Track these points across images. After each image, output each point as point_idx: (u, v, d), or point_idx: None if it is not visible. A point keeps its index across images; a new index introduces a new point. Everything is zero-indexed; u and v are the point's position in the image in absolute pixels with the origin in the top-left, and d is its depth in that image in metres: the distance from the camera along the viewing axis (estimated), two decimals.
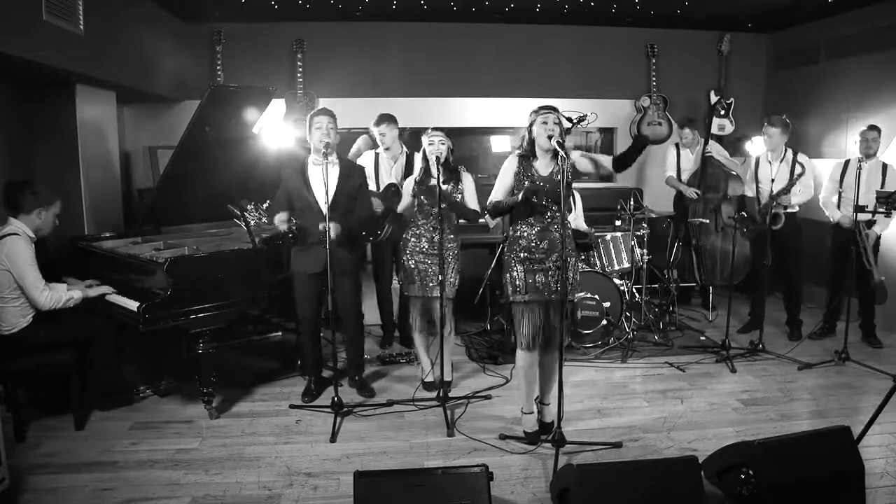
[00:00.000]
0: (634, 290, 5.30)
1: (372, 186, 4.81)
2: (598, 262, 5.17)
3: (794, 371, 4.55)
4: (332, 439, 3.55)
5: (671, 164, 6.03)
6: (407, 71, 6.65)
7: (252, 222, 4.35)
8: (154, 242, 4.32)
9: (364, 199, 4.09)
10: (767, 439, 2.79)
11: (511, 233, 3.43)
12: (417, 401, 4.03)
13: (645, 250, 5.16)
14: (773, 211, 4.85)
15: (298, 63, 6.33)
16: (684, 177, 5.93)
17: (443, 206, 3.77)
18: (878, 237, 4.88)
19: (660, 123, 6.83)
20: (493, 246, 5.29)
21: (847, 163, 5.05)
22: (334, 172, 3.86)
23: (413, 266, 4.09)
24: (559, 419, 3.22)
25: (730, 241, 5.28)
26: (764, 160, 5.14)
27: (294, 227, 3.80)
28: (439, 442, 3.55)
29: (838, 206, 5.06)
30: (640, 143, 3.27)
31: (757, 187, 5.17)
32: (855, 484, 2.73)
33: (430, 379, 4.25)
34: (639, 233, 5.18)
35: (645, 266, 5.18)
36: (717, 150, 5.80)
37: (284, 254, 4.14)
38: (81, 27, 4.20)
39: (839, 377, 4.43)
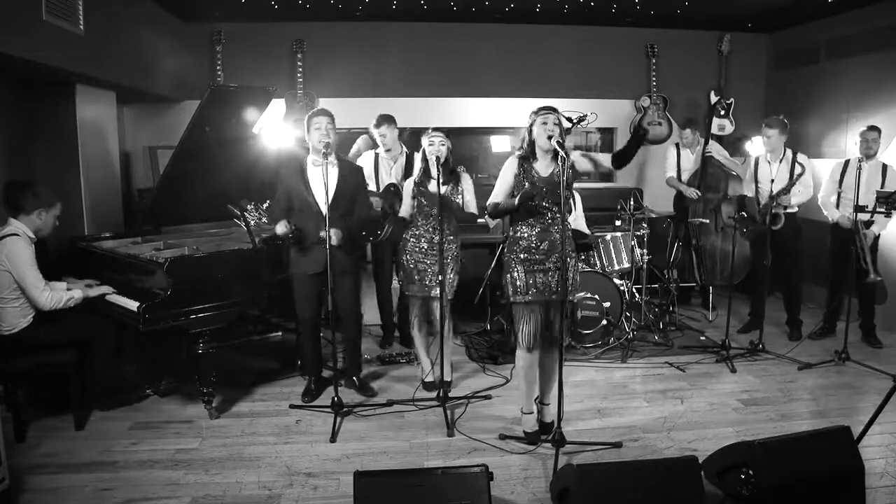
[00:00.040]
0: (634, 290, 5.30)
1: (372, 186, 4.82)
2: (598, 262, 5.17)
3: (794, 371, 4.55)
4: (332, 439, 3.55)
5: (671, 165, 6.03)
6: (407, 71, 6.65)
7: (252, 222, 4.35)
8: (154, 242, 4.33)
9: (363, 199, 4.10)
10: (767, 439, 2.79)
11: (511, 233, 3.43)
12: (417, 401, 4.03)
13: (645, 250, 5.16)
14: (772, 211, 4.85)
15: (298, 63, 6.33)
16: (684, 177, 5.93)
17: (439, 214, 3.77)
18: (877, 237, 4.88)
19: (660, 123, 6.83)
20: (493, 246, 5.29)
21: (847, 163, 5.05)
22: (333, 173, 3.86)
23: (412, 266, 4.09)
24: (559, 419, 3.22)
25: (730, 241, 5.28)
26: (763, 160, 5.14)
27: (294, 231, 3.79)
28: (439, 442, 3.55)
29: (837, 206, 5.07)
30: (638, 136, 3.26)
31: (756, 187, 5.17)
32: (855, 484, 2.73)
33: (430, 379, 4.25)
34: (639, 233, 5.18)
35: (645, 266, 5.18)
36: (717, 150, 5.80)
37: (284, 254, 4.14)
38: (81, 27, 4.20)
39: (839, 377, 4.43)
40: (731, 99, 6.77)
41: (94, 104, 4.89)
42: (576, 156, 3.39)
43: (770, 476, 2.64)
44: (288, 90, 6.28)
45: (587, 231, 5.15)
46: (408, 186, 4.15)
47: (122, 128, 5.90)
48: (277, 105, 5.81)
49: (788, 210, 5.03)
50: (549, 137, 3.21)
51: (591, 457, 3.32)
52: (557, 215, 3.30)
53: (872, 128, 4.92)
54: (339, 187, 3.87)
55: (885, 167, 4.88)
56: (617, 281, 5.03)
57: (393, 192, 4.56)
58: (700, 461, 2.73)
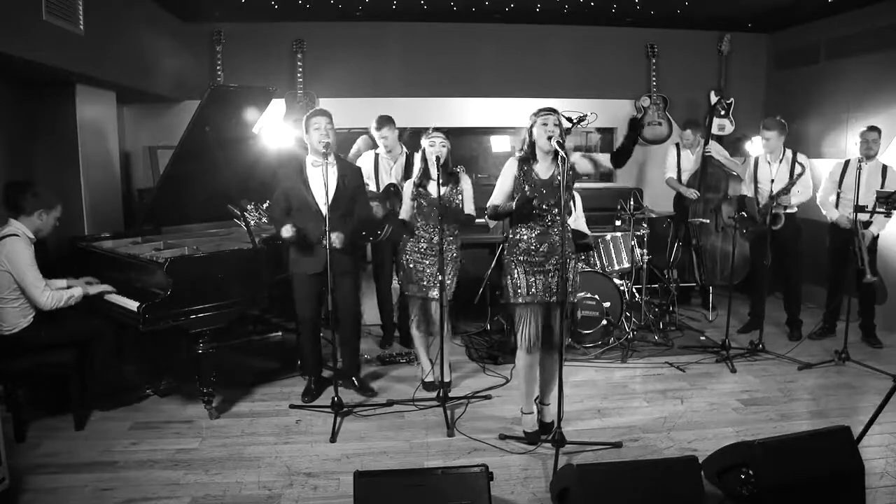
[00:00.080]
0: (634, 290, 5.30)
1: (372, 187, 4.82)
2: (598, 262, 5.17)
3: (794, 371, 4.55)
4: (332, 439, 3.55)
5: (671, 165, 6.03)
6: (407, 71, 6.65)
7: (252, 222, 4.36)
8: (154, 242, 4.32)
9: (363, 199, 4.09)
10: (767, 439, 2.79)
11: (511, 236, 3.43)
12: (417, 401, 4.03)
13: (645, 250, 5.16)
14: (772, 211, 4.85)
15: (298, 63, 6.33)
16: (684, 177, 5.93)
17: (441, 215, 3.77)
18: (875, 237, 4.88)
19: (660, 123, 6.84)
20: (493, 246, 5.29)
21: (847, 163, 5.05)
22: (333, 173, 3.86)
23: (412, 267, 4.09)
24: (559, 419, 3.22)
25: (730, 241, 5.29)
26: (763, 160, 5.14)
27: (299, 235, 3.78)
28: (439, 442, 3.55)
29: (836, 206, 5.07)
30: (635, 127, 3.25)
31: (756, 187, 5.17)
32: (855, 484, 2.73)
33: (429, 379, 4.25)
34: (639, 233, 5.18)
35: (645, 266, 5.18)
36: (717, 150, 5.80)
37: (284, 254, 4.14)
38: (81, 27, 4.20)
39: (839, 377, 4.43)
40: (731, 99, 6.77)
41: (94, 104, 4.89)
42: (576, 157, 3.39)
43: (770, 476, 2.64)
44: (288, 90, 6.28)
45: (587, 231, 5.15)
46: (407, 188, 4.14)
47: (122, 128, 5.90)
48: (277, 105, 5.81)
49: (788, 210, 5.03)
50: (549, 138, 3.21)
51: (591, 457, 3.32)
52: (557, 217, 3.30)
53: (872, 128, 4.92)
54: (338, 187, 3.87)
55: (885, 168, 4.87)
56: (617, 281, 5.03)
57: (393, 192, 4.57)
58: (700, 461, 2.73)
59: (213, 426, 3.74)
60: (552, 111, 3.29)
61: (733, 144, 6.49)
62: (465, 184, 4.11)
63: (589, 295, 4.84)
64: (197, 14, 6.05)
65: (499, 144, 7.22)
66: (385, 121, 4.81)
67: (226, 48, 6.26)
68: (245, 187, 4.48)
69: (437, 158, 3.85)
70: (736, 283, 5.33)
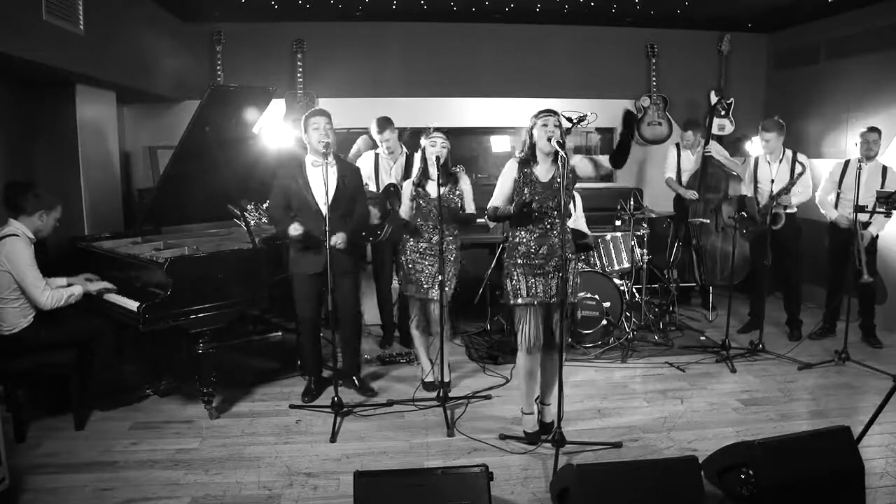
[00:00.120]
0: (634, 290, 5.30)
1: (372, 187, 4.83)
2: (598, 262, 5.17)
3: (794, 371, 4.55)
4: (332, 439, 3.55)
5: (671, 165, 6.03)
6: (407, 71, 6.65)
7: (252, 222, 4.35)
8: (154, 242, 4.32)
9: (361, 199, 4.10)
10: (767, 439, 2.79)
11: (510, 238, 3.44)
12: (417, 401, 4.03)
13: (645, 250, 5.16)
14: (773, 211, 4.85)
15: (298, 63, 6.33)
16: (684, 178, 5.93)
17: (439, 214, 3.77)
18: (874, 238, 4.88)
19: (660, 123, 6.83)
20: (493, 246, 5.29)
21: (847, 163, 5.04)
22: (333, 173, 3.86)
23: (411, 267, 4.09)
24: (559, 419, 3.22)
25: (730, 242, 5.29)
26: (763, 160, 5.14)
27: (303, 233, 3.78)
28: (439, 442, 3.55)
29: (836, 207, 5.06)
30: (629, 123, 3.24)
31: (756, 188, 5.17)
32: (855, 484, 2.73)
33: (429, 379, 4.25)
34: (639, 233, 5.18)
35: (645, 266, 5.18)
36: (717, 150, 5.80)
37: (284, 254, 4.14)
38: (81, 27, 4.20)
39: (839, 377, 4.43)
40: (731, 99, 6.77)
41: (94, 104, 4.89)
42: (577, 160, 3.38)
43: (770, 476, 2.64)
44: (288, 90, 6.28)
45: (587, 231, 5.15)
46: (406, 188, 4.14)
47: (122, 128, 5.90)
48: (277, 105, 5.81)
49: (788, 210, 5.03)
50: (550, 139, 3.21)
51: (591, 457, 3.32)
52: (557, 220, 3.30)
53: (873, 129, 4.91)
54: (338, 187, 3.87)
55: (885, 169, 4.87)
56: (617, 281, 5.03)
57: (393, 192, 4.56)
58: (700, 461, 2.73)
59: (213, 426, 3.74)
60: (552, 112, 3.30)
61: (733, 144, 6.49)
62: (465, 184, 4.11)
63: (589, 295, 4.84)
64: (197, 14, 6.05)
65: (499, 144, 7.22)
66: (387, 123, 4.82)
67: (226, 48, 6.25)
68: (245, 187, 4.48)
69: (437, 158, 3.85)
70: (736, 283, 5.33)
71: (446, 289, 4.02)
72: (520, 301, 3.35)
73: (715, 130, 6.52)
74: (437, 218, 3.86)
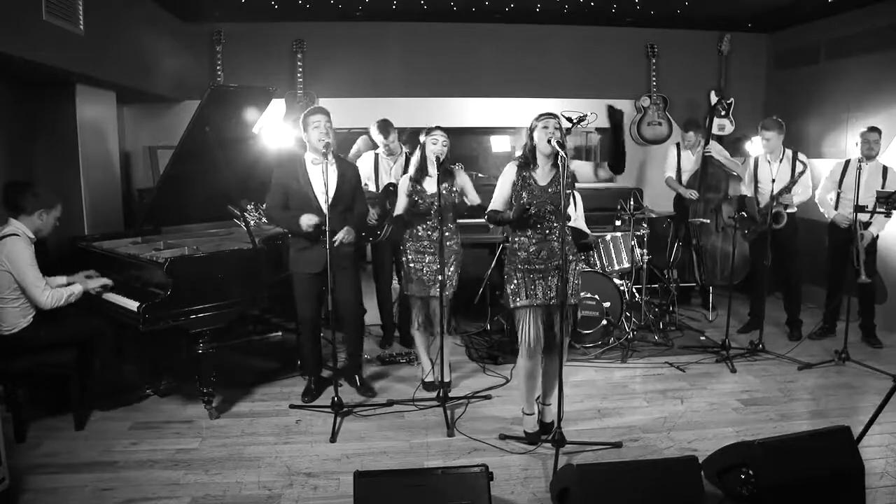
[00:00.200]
0: (634, 290, 5.30)
1: (372, 187, 4.83)
2: (598, 262, 5.17)
3: (794, 371, 4.55)
4: (332, 439, 3.55)
5: (671, 165, 6.03)
6: (407, 71, 6.65)
7: (252, 222, 4.35)
8: (154, 242, 4.32)
9: (361, 197, 4.11)
10: (767, 439, 2.79)
11: (510, 243, 3.43)
12: (417, 401, 4.03)
13: (645, 250, 5.16)
14: (773, 210, 4.85)
15: (298, 63, 6.33)
16: (685, 178, 5.93)
17: (441, 206, 3.77)
18: (875, 238, 4.88)
19: (660, 123, 6.84)
20: (492, 246, 5.29)
21: (847, 163, 5.04)
22: (333, 171, 3.86)
23: (412, 266, 4.09)
24: (559, 419, 3.22)
25: (730, 241, 5.29)
26: (763, 160, 5.14)
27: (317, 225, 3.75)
28: (439, 442, 3.55)
29: (836, 207, 5.06)
30: (615, 119, 3.23)
31: (757, 187, 5.17)
32: (855, 484, 2.73)
33: (429, 379, 4.25)
34: (639, 233, 5.17)
35: (645, 266, 5.18)
36: (717, 151, 5.80)
37: (284, 254, 4.14)
38: (81, 27, 4.20)
39: (839, 377, 4.43)
40: (731, 99, 6.77)
41: (94, 104, 4.89)
42: (577, 164, 3.37)
43: (770, 476, 2.64)
44: (288, 90, 6.28)
45: (587, 231, 5.15)
46: (403, 184, 4.13)
47: (122, 128, 5.90)
48: (277, 105, 5.81)
49: (789, 210, 5.03)
50: (550, 140, 3.20)
51: (591, 457, 3.32)
52: (555, 225, 3.30)
53: (873, 129, 4.91)
54: (339, 186, 3.88)
55: (885, 169, 4.87)
56: (617, 281, 5.03)
57: (392, 192, 4.57)
58: (700, 461, 2.73)
59: (213, 426, 3.74)
60: (553, 115, 3.30)
61: (733, 144, 6.49)
62: (462, 178, 4.11)
63: (589, 295, 4.84)
64: (197, 14, 6.05)
65: (499, 144, 7.22)
66: (389, 126, 4.83)
67: (226, 48, 6.26)
68: (245, 187, 4.48)
69: (437, 158, 3.84)
70: (736, 283, 5.33)
71: (447, 291, 4.03)
72: (520, 303, 3.34)
73: (715, 130, 6.52)
74: (436, 215, 3.85)
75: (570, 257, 3.35)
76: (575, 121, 3.27)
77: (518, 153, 3.43)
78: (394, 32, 6.57)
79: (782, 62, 6.92)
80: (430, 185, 3.99)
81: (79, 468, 3.25)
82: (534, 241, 3.33)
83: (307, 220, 3.74)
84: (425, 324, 4.24)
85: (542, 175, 3.34)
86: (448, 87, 6.69)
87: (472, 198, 4.11)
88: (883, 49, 5.57)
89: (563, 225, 3.22)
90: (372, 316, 5.16)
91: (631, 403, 4.06)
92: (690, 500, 2.61)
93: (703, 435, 3.59)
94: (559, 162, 3.10)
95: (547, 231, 3.33)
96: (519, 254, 3.35)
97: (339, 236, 3.78)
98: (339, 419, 3.68)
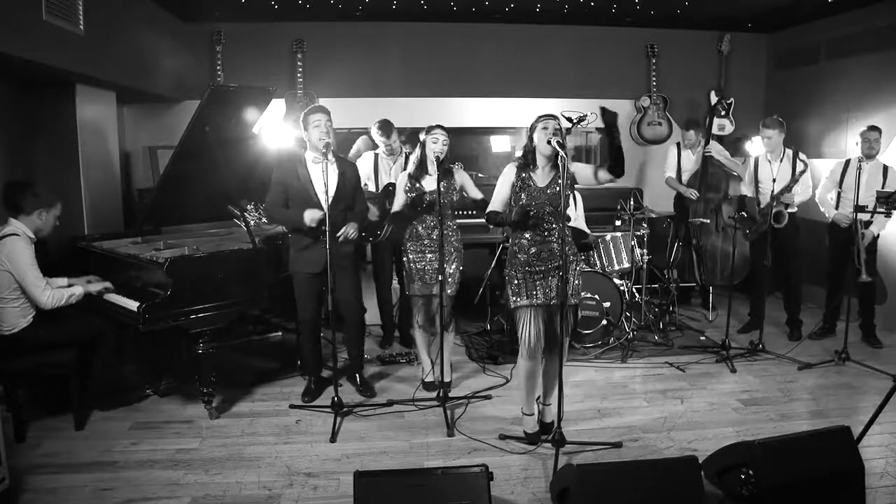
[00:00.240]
0: (634, 290, 5.30)
1: (371, 187, 4.83)
2: (598, 262, 5.17)
3: (794, 371, 4.55)
4: (332, 439, 3.55)
5: (671, 165, 6.04)
6: (407, 71, 6.65)
7: (252, 222, 4.35)
8: (154, 242, 4.32)
9: (360, 196, 4.11)
10: (767, 439, 2.79)
11: (511, 246, 3.43)
12: (417, 401, 4.03)
13: (645, 250, 5.16)
14: (775, 210, 4.85)
15: (298, 63, 6.33)
16: (685, 177, 5.93)
17: (441, 204, 3.77)
18: (875, 237, 4.88)
19: (660, 123, 6.84)
20: (492, 246, 5.29)
21: (847, 163, 5.05)
22: (333, 170, 3.86)
23: (412, 266, 4.09)
24: (559, 419, 3.22)
25: (730, 241, 5.28)
26: (763, 160, 5.14)
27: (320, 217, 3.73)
28: (439, 442, 3.55)
29: (836, 206, 5.06)
30: (608, 120, 3.22)
31: (757, 187, 5.17)
32: (855, 484, 2.72)
33: (430, 379, 4.25)
34: (639, 233, 5.18)
35: (645, 266, 5.18)
36: (717, 151, 5.80)
37: (284, 254, 4.14)
38: (81, 27, 4.20)
39: (839, 377, 4.43)
40: (731, 99, 6.77)
41: (94, 104, 4.89)
42: (576, 166, 3.37)
43: (770, 476, 2.64)
44: (288, 90, 6.28)
45: (587, 230, 5.15)
46: (401, 180, 4.13)
47: (122, 128, 5.90)
48: (277, 105, 5.81)
49: (790, 209, 5.02)
50: (549, 142, 3.20)
51: (591, 457, 3.32)
52: (555, 227, 3.30)
53: (873, 128, 4.91)
54: (339, 185, 3.88)
55: (885, 168, 4.87)
56: (617, 281, 5.03)
57: (392, 192, 4.56)
58: (700, 461, 2.73)
59: (213, 426, 3.74)
60: (553, 117, 3.29)
61: (733, 144, 6.49)
62: (461, 176, 4.12)
63: (589, 295, 4.84)
64: (197, 14, 6.05)
65: (499, 144, 7.22)
66: (391, 127, 4.83)
67: (226, 48, 6.25)
68: (245, 187, 4.48)
69: (437, 157, 3.84)
70: (736, 283, 5.33)
71: (451, 288, 4.04)
72: (520, 303, 3.34)
73: (715, 130, 6.52)
74: (436, 213, 3.85)
75: (571, 258, 3.34)
76: (575, 121, 3.26)
77: (518, 153, 3.43)
78: (394, 32, 6.57)
79: (782, 62, 6.92)
80: (428, 183, 3.99)
81: (79, 468, 3.25)
82: (533, 242, 3.33)
83: (311, 215, 3.74)
84: (426, 324, 4.24)
85: (541, 176, 3.34)
86: (448, 87, 6.69)
87: (474, 193, 4.11)
88: (883, 49, 5.57)
89: (562, 226, 3.22)
90: (372, 316, 5.16)
91: (631, 403, 4.06)
92: (690, 500, 2.61)
93: (703, 435, 3.59)
94: (559, 162, 3.10)
95: (546, 233, 3.33)
96: (519, 256, 3.35)
97: (344, 231, 3.78)
98: (339, 419, 3.68)
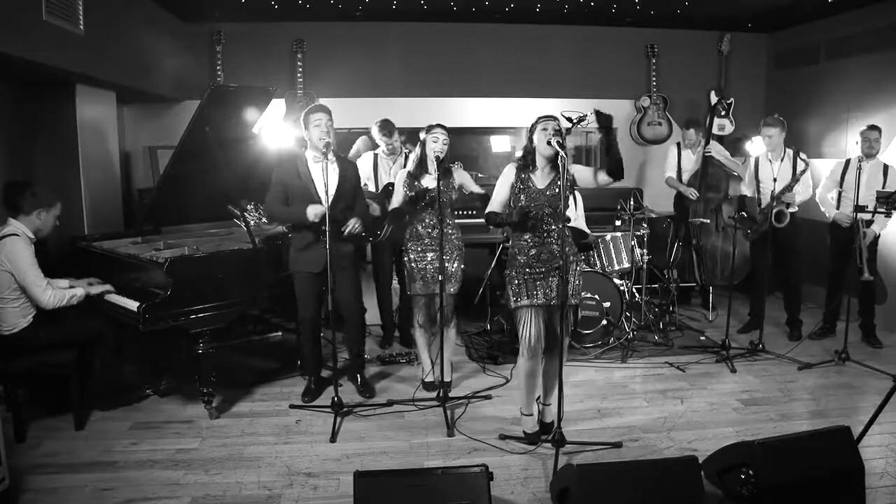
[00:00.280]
0: (634, 290, 5.30)
1: (371, 187, 4.83)
2: (598, 262, 5.17)
3: (794, 371, 4.55)
4: (332, 439, 3.55)
5: (672, 165, 6.03)
6: (407, 71, 6.65)
7: (252, 222, 4.35)
8: (154, 242, 4.32)
9: (361, 195, 4.11)
10: (767, 439, 2.79)
11: (511, 247, 3.44)
12: (417, 401, 4.03)
13: (645, 250, 5.16)
14: (776, 209, 4.85)
15: (298, 63, 6.33)
16: (685, 177, 5.93)
17: (441, 203, 3.78)
18: (877, 236, 4.88)
19: (660, 123, 6.84)
20: (492, 246, 5.29)
21: (848, 162, 5.05)
22: (334, 170, 3.86)
23: (413, 266, 4.08)
24: (559, 419, 3.22)
25: (730, 242, 5.29)
26: (764, 160, 5.14)
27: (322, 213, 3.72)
28: (439, 442, 3.55)
29: (837, 206, 5.06)
30: (603, 123, 3.22)
31: (758, 187, 5.17)
32: (855, 484, 2.72)
33: (430, 379, 4.25)
34: (639, 233, 5.18)
35: (645, 266, 5.18)
36: (717, 151, 5.80)
37: (284, 254, 4.14)
38: (81, 27, 4.20)
39: (839, 377, 4.43)
40: (731, 99, 6.76)
41: (94, 104, 4.89)
42: (576, 168, 3.37)
43: (770, 476, 2.64)
44: (288, 90, 6.28)
45: (587, 230, 5.15)
46: (400, 176, 4.13)
47: (122, 128, 5.90)
48: (277, 105, 5.81)
49: (791, 209, 5.02)
50: (549, 141, 3.20)
51: (591, 457, 3.32)
52: (553, 227, 3.30)
53: (873, 127, 4.92)
54: (340, 184, 3.88)
55: (886, 167, 4.87)
56: (617, 281, 5.03)
57: (392, 192, 4.56)
58: (700, 461, 2.73)
59: (213, 426, 3.74)
60: (553, 118, 3.30)
61: (733, 144, 6.49)
62: (460, 174, 4.12)
63: (589, 295, 4.84)
64: (197, 14, 6.05)
65: (499, 144, 7.22)
66: (392, 126, 4.84)
67: (226, 48, 6.26)
68: (245, 187, 4.48)
69: (437, 157, 3.84)
70: (736, 283, 5.33)
71: (454, 287, 4.04)
72: (521, 303, 3.34)
73: (715, 130, 6.52)
74: (436, 212, 3.85)
75: (571, 258, 3.34)
76: (575, 121, 3.26)
77: (518, 153, 3.43)
78: (394, 32, 6.57)
79: (782, 62, 6.92)
80: (428, 182, 3.99)
81: (79, 468, 3.25)
82: (532, 244, 3.33)
83: (314, 210, 3.73)
84: (427, 323, 4.24)
85: (540, 178, 3.34)
86: (448, 87, 6.69)
87: (474, 188, 4.12)
88: (883, 49, 5.57)
89: (562, 227, 3.21)
90: (372, 316, 5.16)
91: (631, 403, 4.06)
92: (690, 500, 2.61)
93: (703, 435, 3.59)
94: (559, 162, 3.10)
95: (545, 234, 3.33)
96: (519, 258, 3.35)
97: (350, 225, 3.80)
98: (339, 419, 3.68)
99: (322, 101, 6.17)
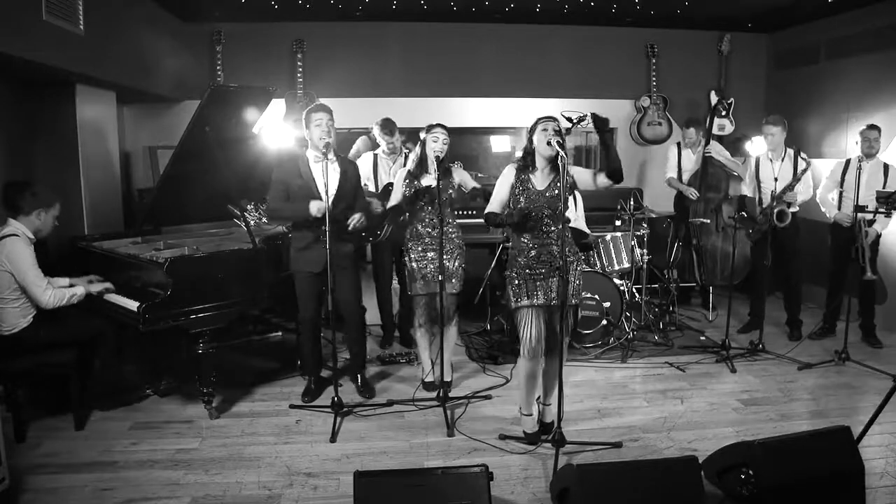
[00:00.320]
0: (634, 290, 5.30)
1: (371, 187, 4.83)
2: (598, 262, 5.17)
3: (794, 371, 4.55)
4: (332, 439, 3.55)
5: (672, 165, 6.03)
6: (407, 71, 6.65)
7: (252, 222, 4.34)
8: (154, 242, 4.32)
9: (361, 194, 4.12)
10: (767, 439, 2.79)
11: (511, 247, 3.43)
12: (417, 401, 4.03)
13: (645, 250, 5.16)
14: (777, 209, 4.85)
15: (298, 63, 6.33)
16: (685, 177, 5.93)
17: (441, 202, 3.78)
18: (879, 236, 4.88)
19: (660, 123, 6.84)
20: (492, 246, 5.29)
21: (848, 162, 5.05)
22: (335, 170, 3.86)
23: (414, 266, 4.08)
24: (559, 419, 3.22)
25: (730, 241, 5.28)
26: (765, 159, 5.14)
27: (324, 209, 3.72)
28: (439, 442, 3.55)
29: (839, 206, 5.06)
30: (599, 126, 3.21)
31: (759, 187, 5.17)
32: (855, 484, 2.73)
33: (430, 379, 4.25)
34: (639, 233, 5.18)
35: (645, 266, 5.18)
36: (717, 151, 5.80)
37: (284, 254, 4.13)
38: (81, 27, 4.20)
39: (839, 377, 4.43)
40: (731, 99, 6.76)
41: (94, 104, 4.89)
42: (576, 170, 3.37)
43: (770, 476, 2.64)
44: (288, 90, 6.28)
45: (588, 231, 5.15)
46: (399, 175, 4.13)
47: (122, 128, 5.90)
48: (277, 105, 5.81)
49: (792, 209, 5.02)
50: (549, 142, 3.20)
51: (591, 457, 3.32)
52: (553, 228, 3.30)
53: (873, 127, 4.92)
54: (341, 184, 3.89)
55: (886, 167, 4.88)
56: (617, 281, 5.03)
57: (392, 192, 4.57)
58: (700, 461, 2.73)
59: (213, 426, 3.74)
60: (552, 118, 3.30)
61: (733, 144, 6.49)
62: (461, 175, 4.13)
63: (589, 295, 4.84)
64: (197, 14, 6.05)
65: (499, 144, 7.22)
66: (393, 126, 4.84)
67: (226, 48, 6.26)
68: (245, 187, 4.48)
69: (437, 156, 3.84)
70: (736, 283, 5.33)
71: (455, 285, 4.04)
72: (521, 304, 3.34)
73: (715, 130, 6.51)
74: (436, 212, 3.85)
75: (571, 258, 3.34)
76: (575, 121, 3.26)
77: (518, 153, 3.43)
78: (394, 32, 6.57)
79: (782, 62, 6.92)
80: (427, 182, 3.99)
81: (79, 468, 3.25)
82: (532, 245, 3.33)
83: (318, 205, 3.71)
84: (427, 323, 4.24)
85: (540, 179, 3.34)
86: (448, 87, 6.69)
87: (473, 184, 4.12)
88: (883, 49, 5.57)
89: (562, 227, 3.21)
90: (372, 316, 5.16)
91: (631, 403, 4.06)
92: (690, 500, 2.61)
93: (703, 435, 3.59)
94: (559, 163, 3.10)
95: (545, 235, 3.32)
96: (519, 259, 3.35)
97: (355, 218, 3.80)
98: (339, 419, 3.68)
99: (322, 101, 6.17)
